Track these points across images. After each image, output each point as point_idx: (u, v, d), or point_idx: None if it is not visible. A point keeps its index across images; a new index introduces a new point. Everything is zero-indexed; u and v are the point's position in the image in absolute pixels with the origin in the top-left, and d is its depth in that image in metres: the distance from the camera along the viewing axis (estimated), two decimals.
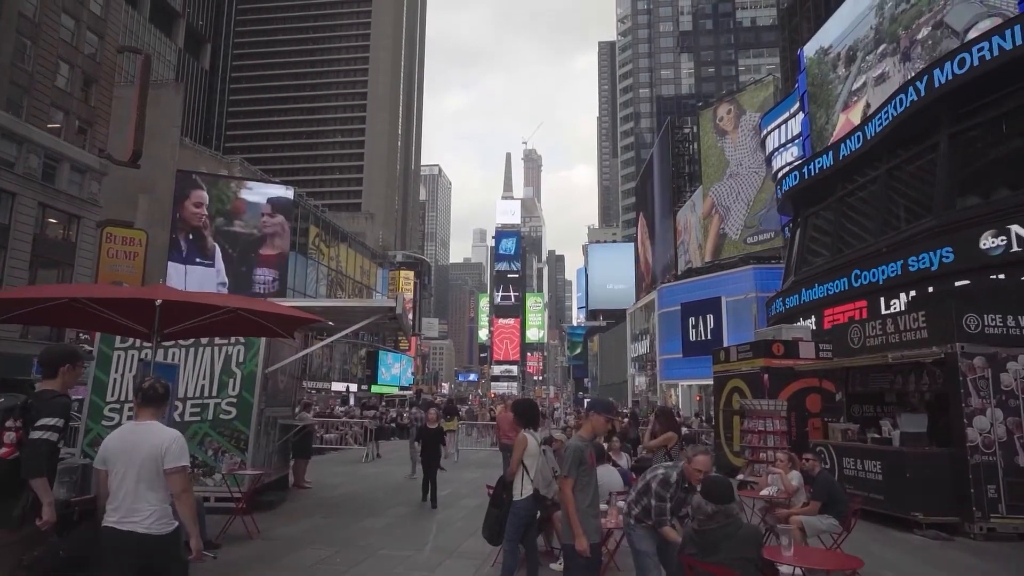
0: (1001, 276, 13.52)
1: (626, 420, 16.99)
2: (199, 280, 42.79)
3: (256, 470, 8.76)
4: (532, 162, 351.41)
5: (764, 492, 7.67)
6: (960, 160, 15.90)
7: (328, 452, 19.83)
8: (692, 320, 39.79)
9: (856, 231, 19.92)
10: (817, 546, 6.65)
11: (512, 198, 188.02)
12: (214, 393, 9.06)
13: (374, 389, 61.33)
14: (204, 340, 9.03)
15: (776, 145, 30.62)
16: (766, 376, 12.78)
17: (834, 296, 18.91)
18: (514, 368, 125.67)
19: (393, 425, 27.23)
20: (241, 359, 9.21)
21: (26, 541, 3.98)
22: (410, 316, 70.06)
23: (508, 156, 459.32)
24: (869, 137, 18.54)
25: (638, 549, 4.65)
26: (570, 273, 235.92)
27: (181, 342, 8.88)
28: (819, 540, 6.88)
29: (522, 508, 5.31)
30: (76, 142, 34.24)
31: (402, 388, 66.19)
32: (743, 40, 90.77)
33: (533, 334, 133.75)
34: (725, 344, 23.89)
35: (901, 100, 16.84)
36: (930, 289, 15.09)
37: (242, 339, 9.13)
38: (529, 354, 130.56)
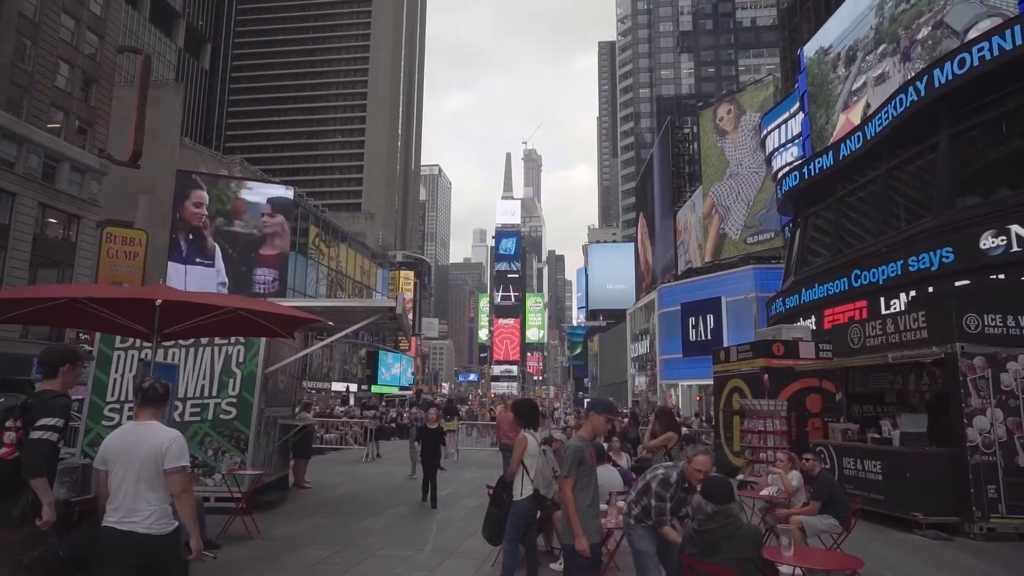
0: (1001, 276, 13.52)
1: (626, 420, 17.00)
2: (199, 280, 42.79)
3: (256, 470, 8.76)
4: (532, 162, 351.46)
5: (764, 492, 7.67)
6: (960, 160, 15.90)
7: (328, 452, 19.82)
8: (692, 320, 39.78)
9: (856, 231, 19.92)
10: (817, 546, 6.65)
11: (512, 198, 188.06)
12: (214, 393, 9.06)
13: (374, 389, 61.33)
14: (204, 340, 9.03)
15: (776, 145, 30.62)
16: (766, 376, 12.78)
17: (834, 296, 18.91)
18: (514, 368, 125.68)
19: (393, 425, 27.23)
20: (241, 359, 9.21)
21: (26, 541, 3.98)
22: (410, 316, 70.06)
23: (508, 156, 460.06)
24: (869, 137, 18.53)
25: (638, 549, 4.65)
26: (570, 273, 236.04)
27: (181, 342, 8.88)
28: (819, 540, 6.88)
29: (522, 508, 5.31)
30: (76, 142, 34.24)
31: (402, 388, 66.19)
32: (743, 40, 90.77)
33: (533, 334, 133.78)
34: (725, 344, 23.89)
35: (901, 100, 16.84)
36: (930, 289, 15.09)
37: (242, 339, 9.13)
38: (529, 354, 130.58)
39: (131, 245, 34.66)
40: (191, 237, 44.91)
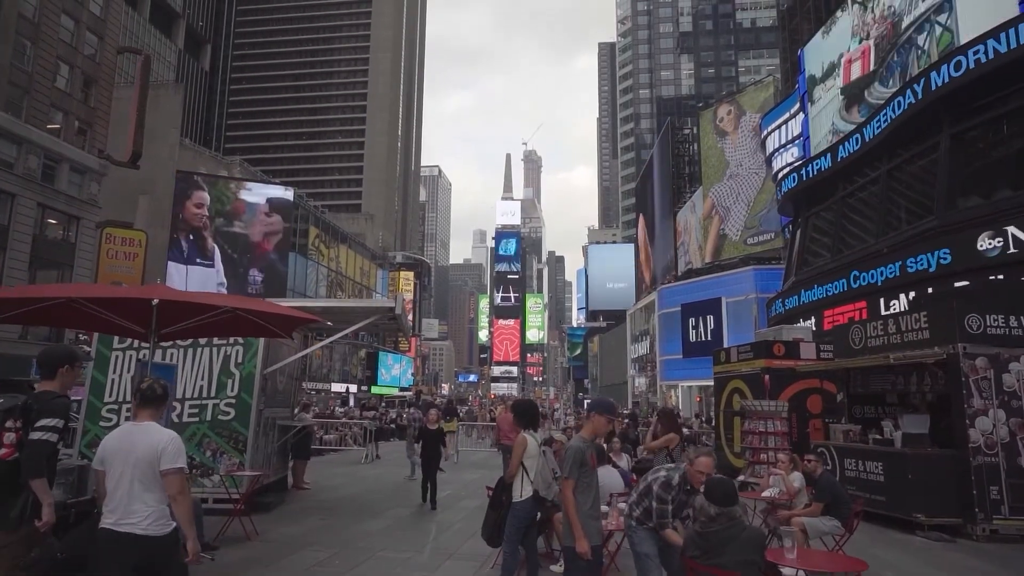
0: (1000, 277, 13.50)
1: (625, 422, 16.96)
2: (199, 281, 42.79)
3: (254, 471, 8.72)
4: (532, 163, 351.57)
5: (766, 493, 7.62)
6: (962, 160, 15.87)
7: (327, 453, 19.79)
8: (692, 321, 39.72)
9: (856, 232, 19.89)
10: (819, 548, 6.61)
11: (512, 199, 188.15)
12: (212, 394, 9.02)
13: (374, 390, 61.28)
14: (203, 340, 9.00)
15: (776, 146, 30.59)
16: (767, 377, 12.73)
17: (833, 297, 18.88)
18: (514, 369, 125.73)
19: (393, 426, 27.19)
20: (240, 360, 9.17)
21: (24, 542, 3.96)
22: (410, 317, 70.02)
23: (508, 157, 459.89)
24: (868, 139, 18.52)
25: (639, 551, 4.61)
26: (570, 274, 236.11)
27: (179, 342, 8.85)
28: (821, 542, 6.84)
29: (522, 510, 5.27)
30: (76, 143, 34.22)
31: (402, 389, 66.14)
32: (743, 41, 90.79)
33: (533, 335, 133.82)
34: (725, 345, 23.85)
35: (900, 102, 16.84)
36: (929, 290, 15.07)
37: (241, 339, 9.09)
38: (529, 355, 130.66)
39: (131, 246, 34.60)
40: (191, 237, 44.92)
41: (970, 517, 8.53)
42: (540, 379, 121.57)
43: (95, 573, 3.59)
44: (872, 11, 20.88)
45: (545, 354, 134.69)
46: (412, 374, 76.38)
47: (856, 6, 21.84)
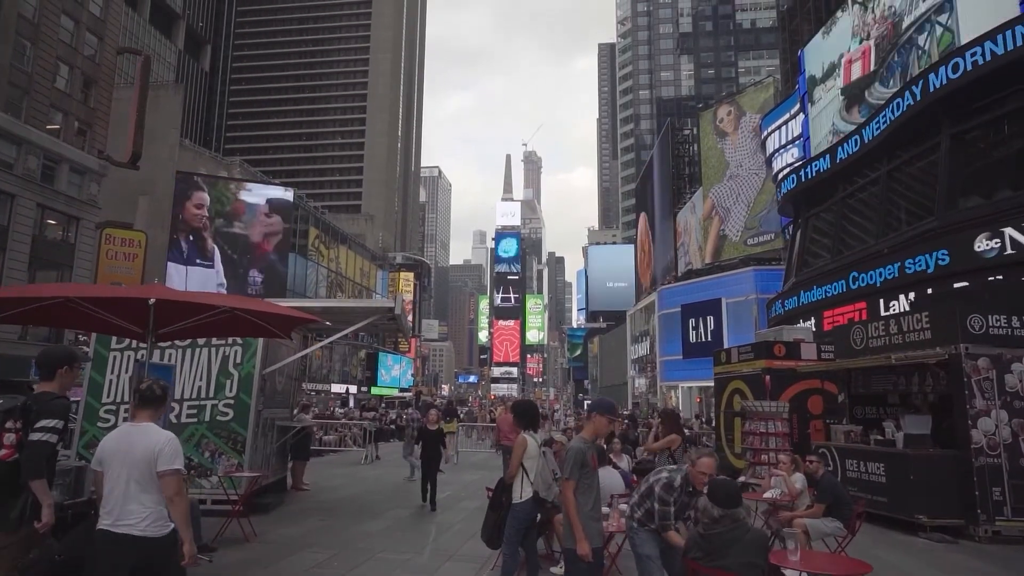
0: (999, 277, 13.49)
1: (625, 423, 16.92)
2: (200, 281, 42.76)
3: (253, 472, 8.68)
4: (532, 164, 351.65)
5: (767, 495, 7.58)
6: (962, 160, 15.85)
7: (327, 454, 19.76)
8: (692, 322, 39.67)
9: (856, 233, 19.86)
10: (821, 549, 6.57)
11: (512, 200, 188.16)
12: (211, 394, 8.98)
13: (374, 391, 61.24)
14: (201, 341, 8.96)
15: (777, 146, 30.57)
16: (768, 377, 12.69)
17: (832, 298, 18.87)
18: (514, 370, 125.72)
19: (392, 427, 27.15)
20: (238, 360, 9.13)
21: (23, 543, 3.95)
22: (410, 318, 69.99)
23: (508, 158, 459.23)
24: (867, 141, 18.52)
25: (640, 553, 4.57)
26: (570, 275, 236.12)
27: (178, 343, 8.81)
28: (823, 543, 6.80)
29: (521, 511, 5.23)
30: (75, 143, 34.18)
31: (402, 390, 66.10)
32: (743, 42, 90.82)
33: (533, 336, 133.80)
34: (725, 346, 23.81)
35: (898, 104, 16.85)
36: (929, 291, 15.06)
37: (239, 340, 9.06)
38: (529, 356, 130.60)
39: (130, 246, 34.56)
40: (191, 238, 44.89)
41: (972, 518, 8.49)
42: (540, 380, 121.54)
43: (92, 575, 3.55)
44: (872, 11, 20.87)
45: (545, 355, 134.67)
46: (412, 375, 76.35)
47: (856, 6, 21.83)
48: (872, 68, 20.60)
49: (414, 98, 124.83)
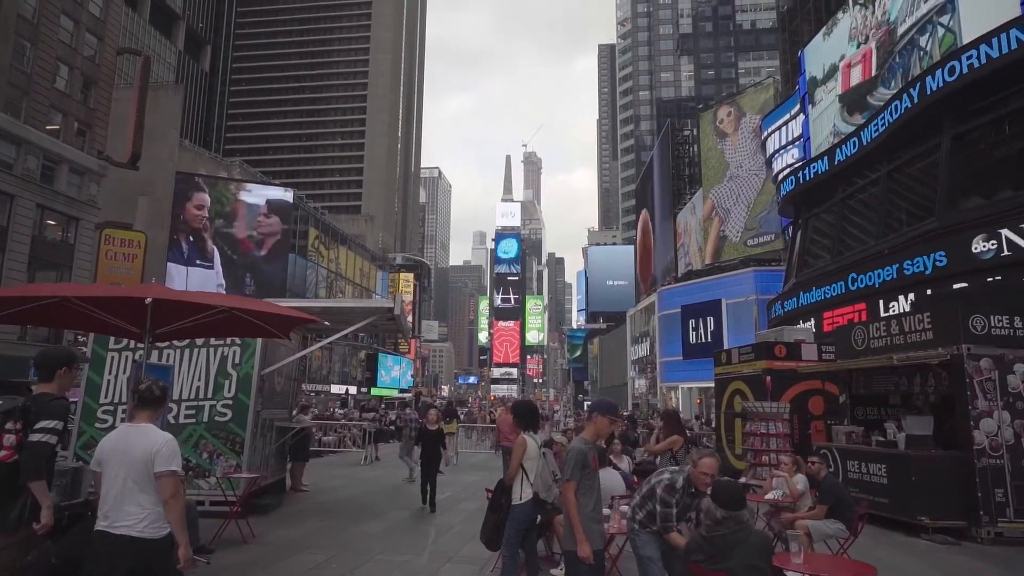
0: (998, 278, 13.48)
1: (624, 424, 16.87)
2: (200, 282, 42.74)
3: (252, 473, 8.63)
4: (532, 165, 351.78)
5: (769, 496, 7.54)
6: (963, 161, 15.82)
7: (326, 455, 19.71)
8: (692, 323, 39.62)
9: (857, 233, 19.84)
10: (823, 551, 6.52)
11: (512, 200, 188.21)
12: (209, 395, 8.94)
13: (373, 392, 61.17)
14: (199, 341, 8.92)
15: (777, 147, 30.54)
16: (768, 378, 12.65)
17: (832, 299, 18.86)
18: (514, 371, 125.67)
19: (392, 428, 27.09)
20: (237, 360, 9.09)
21: (21, 545, 3.93)
22: (409, 318, 69.92)
23: (508, 159, 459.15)
24: (865, 143, 18.52)
25: (642, 555, 4.53)
26: (570, 276, 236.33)
27: (176, 343, 8.77)
28: (825, 545, 6.76)
29: (521, 512, 5.18)
30: (75, 144, 34.16)
31: (402, 391, 66.04)
32: (743, 43, 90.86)
33: (533, 337, 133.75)
34: (725, 347, 23.79)
35: (896, 107, 16.86)
36: (928, 292, 15.04)
37: (238, 340, 9.02)
38: (529, 357, 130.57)
39: (130, 247, 34.50)
40: (191, 239, 44.86)
41: (975, 520, 8.45)
42: (540, 381, 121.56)
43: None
44: (874, 13, 20.85)
45: (545, 356, 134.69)
46: (412, 376, 76.29)
47: (857, 7, 21.80)
48: (874, 72, 20.58)
49: (414, 99, 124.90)
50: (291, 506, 10.40)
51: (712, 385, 17.07)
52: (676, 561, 4.36)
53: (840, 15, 23.06)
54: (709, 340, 36.84)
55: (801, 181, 22.17)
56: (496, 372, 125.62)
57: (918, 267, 15.22)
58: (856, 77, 21.58)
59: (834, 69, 23.13)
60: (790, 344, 13.23)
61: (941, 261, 14.63)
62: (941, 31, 17.33)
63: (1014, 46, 13.29)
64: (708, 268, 42.64)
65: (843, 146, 19.78)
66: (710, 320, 38.02)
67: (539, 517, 5.60)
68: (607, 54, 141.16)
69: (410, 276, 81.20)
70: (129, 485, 3.42)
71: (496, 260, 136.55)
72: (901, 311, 15.37)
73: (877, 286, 16.69)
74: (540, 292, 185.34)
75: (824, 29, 24.27)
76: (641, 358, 52.75)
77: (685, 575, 4.15)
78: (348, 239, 64.05)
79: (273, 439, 10.24)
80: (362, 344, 63.75)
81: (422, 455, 10.79)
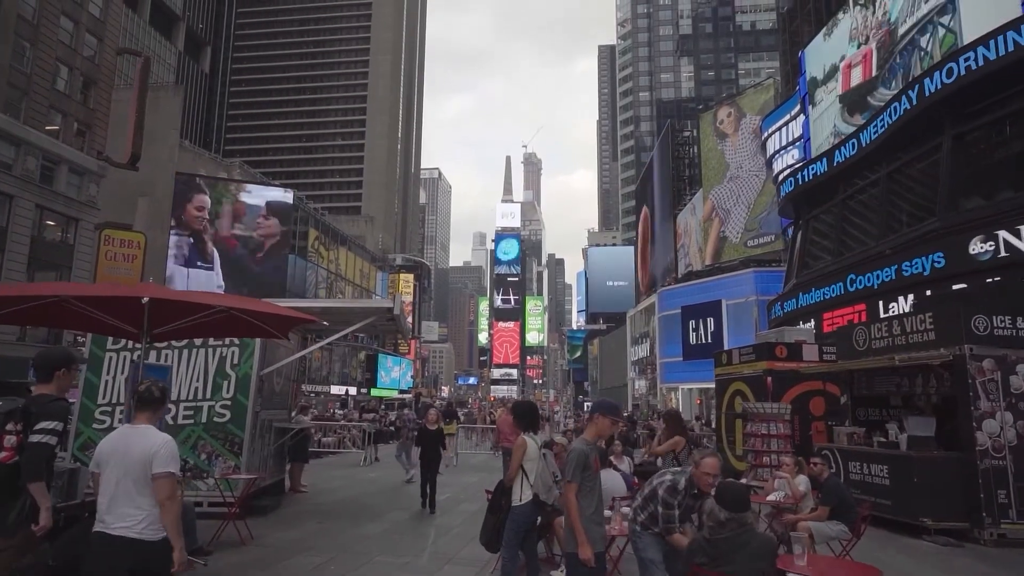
0: (997, 279, 13.46)
1: (624, 425, 16.84)
2: (200, 284, 42.70)
3: (250, 474, 8.58)
4: (532, 165, 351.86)
5: (771, 497, 7.49)
6: (964, 161, 15.80)
7: (326, 456, 19.66)
8: (692, 323, 39.58)
9: (857, 234, 19.81)
10: (826, 553, 6.48)
11: (512, 201, 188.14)
12: (208, 396, 8.90)
13: (373, 392, 61.11)
14: (198, 341, 8.88)
15: (777, 148, 30.52)
16: (769, 379, 12.61)
17: (831, 300, 18.84)
18: (514, 371, 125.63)
19: (392, 428, 27.02)
20: (236, 361, 9.04)
21: (20, 547, 3.90)
22: (409, 319, 69.89)
23: (508, 159, 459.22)
24: (864, 144, 18.50)
25: (644, 557, 4.48)
26: (570, 277, 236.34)
27: (174, 343, 8.72)
28: (828, 547, 6.71)
29: (521, 514, 5.14)
30: (75, 144, 34.13)
31: (402, 391, 65.99)
32: (743, 44, 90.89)
33: (533, 337, 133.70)
34: (726, 347, 23.75)
35: (895, 108, 16.85)
36: (928, 293, 15.02)
37: (237, 340, 8.97)
38: (529, 357, 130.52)
39: (129, 248, 34.39)
40: (192, 240, 44.83)
41: (977, 521, 8.40)
42: (540, 382, 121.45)
43: None
44: (875, 14, 20.83)
45: (545, 357, 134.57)
46: (412, 376, 76.25)
47: (857, 7, 21.78)
48: (874, 73, 20.56)
49: (414, 100, 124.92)
50: (290, 507, 10.35)
51: (712, 386, 17.02)
52: (678, 563, 4.31)
53: (840, 15, 23.03)
54: (709, 341, 36.80)
55: (801, 182, 22.17)
56: (496, 373, 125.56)
57: (916, 268, 15.23)
58: (857, 78, 21.55)
59: (834, 70, 23.10)
60: (791, 345, 13.19)
61: (939, 262, 14.65)
62: (942, 31, 17.31)
63: (1011, 48, 13.34)
64: (708, 269, 42.62)
65: (842, 147, 19.77)
66: (710, 321, 37.98)
67: (539, 518, 5.56)
68: (607, 55, 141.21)
69: (410, 277, 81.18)
70: (128, 486, 3.40)
71: (496, 261, 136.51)
72: (900, 312, 15.34)
73: (876, 287, 16.69)
74: (540, 293, 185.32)
75: (824, 29, 24.25)
76: (641, 359, 52.71)
77: None
78: (348, 240, 64.02)
79: (272, 440, 10.19)
80: (362, 345, 63.71)
81: (422, 455, 10.73)
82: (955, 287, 14.30)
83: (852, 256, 19.25)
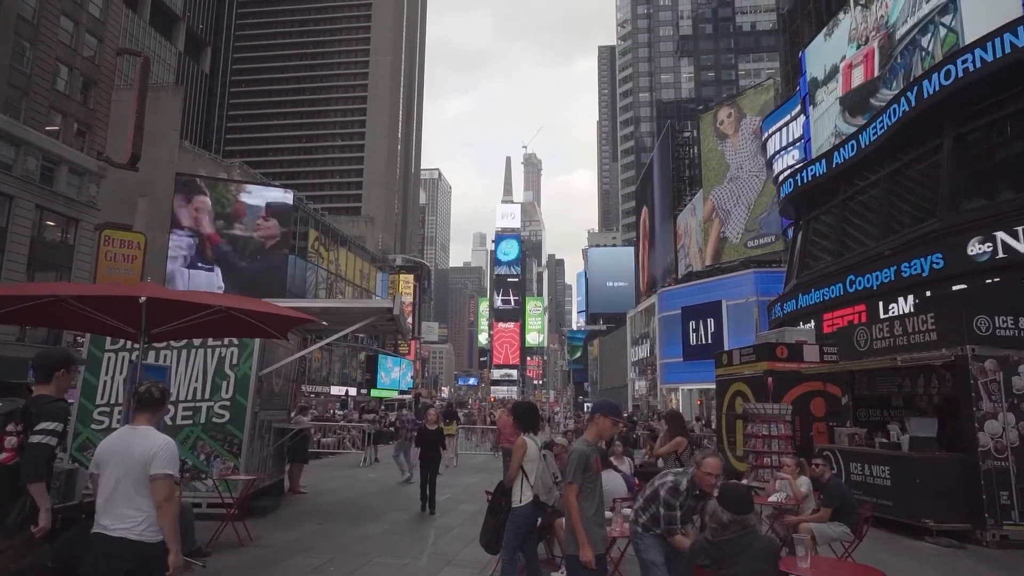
0: (997, 280, 13.44)
1: (625, 426, 16.80)
2: (201, 285, 42.69)
3: (249, 475, 8.54)
4: (532, 166, 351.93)
5: (772, 498, 7.45)
6: (965, 162, 15.77)
7: (325, 456, 19.62)
8: (692, 324, 39.56)
9: (857, 235, 19.79)
10: (827, 554, 6.44)
11: (512, 202, 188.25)
12: (207, 396, 8.86)
13: (373, 393, 61.03)
14: (197, 342, 8.85)
15: (777, 148, 30.50)
16: (770, 379, 12.57)
17: (830, 301, 18.83)
18: (514, 372, 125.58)
19: (392, 429, 26.97)
20: (235, 361, 9.01)
21: (19, 548, 3.88)
22: (409, 320, 69.85)
23: (508, 160, 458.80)
24: (864, 145, 18.49)
25: (645, 558, 4.44)
26: (570, 277, 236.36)
27: (173, 343, 8.70)
28: (829, 548, 6.68)
29: (521, 515, 5.11)
30: (75, 145, 34.11)
31: (401, 392, 65.90)
32: (743, 44, 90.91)
33: (533, 338, 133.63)
34: (726, 348, 23.71)
35: (895, 110, 16.84)
36: (927, 293, 15.00)
37: (236, 340, 8.94)
38: (529, 358, 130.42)
39: (129, 248, 34.38)
40: (192, 241, 44.80)
41: (979, 522, 8.36)
42: (540, 382, 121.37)
43: None
44: (875, 14, 20.80)
45: (545, 357, 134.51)
46: (412, 377, 76.15)
47: (858, 8, 21.75)
48: (875, 73, 20.53)
49: (414, 100, 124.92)
50: (289, 508, 10.31)
51: (712, 387, 16.99)
52: (680, 564, 4.28)
53: (841, 16, 23.01)
54: (709, 342, 36.77)
55: (801, 183, 22.15)
56: (496, 373, 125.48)
57: (915, 269, 15.24)
58: (858, 78, 21.52)
59: (835, 70, 23.08)
60: (792, 345, 13.17)
61: (938, 263, 14.65)
62: (943, 31, 17.28)
63: (1007, 51, 13.38)
64: (708, 269, 42.59)
65: (842, 148, 19.76)
66: (710, 321, 37.96)
67: (539, 520, 5.52)
68: (607, 55, 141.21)
69: (410, 277, 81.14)
70: (128, 487, 3.39)
71: (496, 261, 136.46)
72: (900, 313, 15.32)
73: (875, 288, 16.69)
74: (540, 293, 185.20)
75: (825, 30, 24.22)
76: (641, 359, 52.67)
77: None
78: (348, 240, 64.00)
79: (271, 440, 10.16)
80: (362, 345, 63.66)
81: (421, 456, 10.69)
82: (954, 288, 14.29)
83: (852, 257, 19.23)
